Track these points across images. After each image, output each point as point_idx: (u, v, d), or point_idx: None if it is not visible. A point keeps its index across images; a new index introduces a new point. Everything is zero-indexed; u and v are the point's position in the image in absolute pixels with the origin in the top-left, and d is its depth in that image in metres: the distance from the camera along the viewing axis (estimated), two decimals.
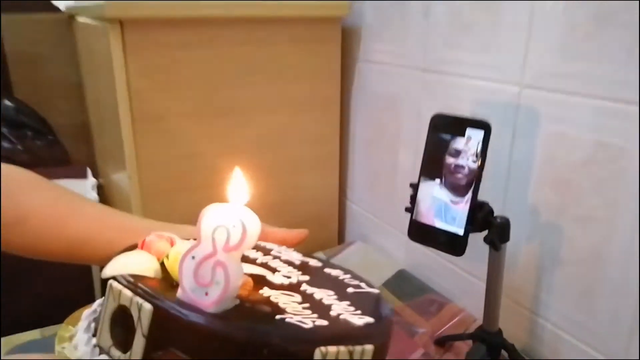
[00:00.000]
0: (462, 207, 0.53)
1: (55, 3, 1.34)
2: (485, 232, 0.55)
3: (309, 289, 0.38)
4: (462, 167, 0.53)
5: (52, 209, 0.49)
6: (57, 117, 1.28)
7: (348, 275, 0.43)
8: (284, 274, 0.40)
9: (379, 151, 0.95)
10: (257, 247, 0.47)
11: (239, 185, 0.34)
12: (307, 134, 0.97)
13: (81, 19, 1.08)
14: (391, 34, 0.87)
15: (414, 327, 0.73)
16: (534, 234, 0.66)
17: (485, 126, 0.52)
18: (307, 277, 0.40)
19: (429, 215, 0.56)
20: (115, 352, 0.31)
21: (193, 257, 0.31)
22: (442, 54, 0.76)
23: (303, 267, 0.43)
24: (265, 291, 0.36)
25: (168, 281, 0.34)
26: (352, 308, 0.35)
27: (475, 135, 0.53)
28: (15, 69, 1.29)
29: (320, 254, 0.94)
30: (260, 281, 0.37)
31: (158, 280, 0.34)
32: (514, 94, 0.65)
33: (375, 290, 0.40)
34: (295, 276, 0.40)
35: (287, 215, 1.00)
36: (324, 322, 0.32)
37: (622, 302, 0.57)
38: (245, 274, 0.35)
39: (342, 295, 0.37)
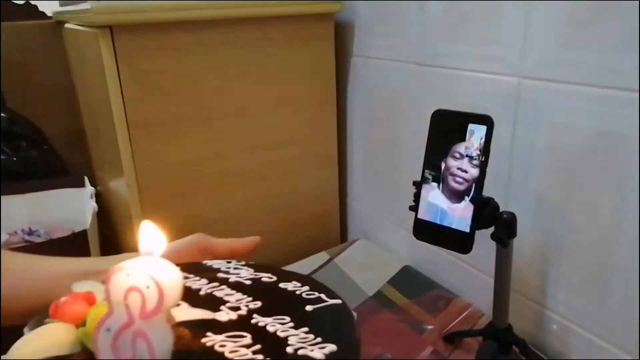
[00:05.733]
0: (459, 212, 0.52)
1: (41, 8, 1.32)
2: (492, 229, 0.54)
3: (261, 321, 0.34)
4: (464, 171, 0.52)
5: None
6: (51, 126, 1.26)
7: (306, 287, 0.38)
8: (232, 305, 0.36)
9: (379, 147, 0.94)
10: (202, 271, 0.42)
11: (150, 235, 0.29)
12: (304, 133, 0.96)
13: (70, 25, 1.06)
14: (386, 28, 0.86)
15: (422, 324, 0.72)
16: (539, 225, 0.65)
17: (487, 121, 0.51)
18: (258, 304, 0.36)
19: (434, 213, 0.55)
20: None
21: (108, 330, 0.27)
22: (438, 47, 0.75)
23: (254, 289, 0.38)
24: (209, 339, 0.31)
25: (87, 355, 0.29)
26: (311, 336, 0.31)
27: (477, 131, 0.52)
28: (6, 79, 1.27)
29: (324, 253, 0.93)
30: (202, 325, 0.32)
31: (75, 357, 0.29)
32: (514, 85, 0.64)
33: (337, 302, 0.36)
34: (245, 305, 0.35)
35: (288, 216, 0.99)
36: None
37: (632, 289, 0.56)
38: (183, 323, 0.31)
39: (299, 319, 0.33)
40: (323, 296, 0.37)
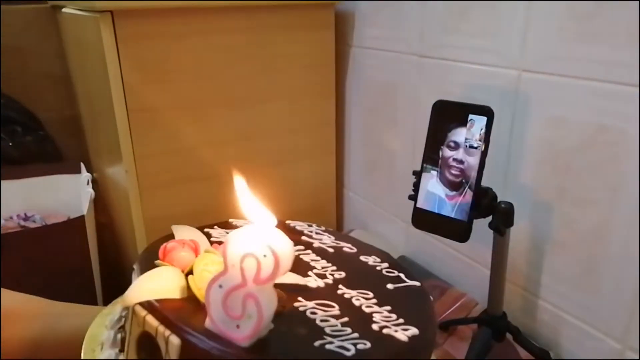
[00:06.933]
0: (458, 201, 0.53)
1: None
2: (487, 220, 0.55)
3: (347, 292, 0.36)
4: (460, 161, 0.53)
5: None
6: (46, 112, 1.25)
7: (385, 265, 0.40)
8: (318, 272, 0.38)
9: (376, 138, 0.94)
10: (285, 231, 0.44)
11: (258, 203, 0.31)
12: (302, 122, 0.96)
13: (67, 10, 1.05)
14: (386, 19, 0.86)
15: None
16: (534, 217, 0.66)
17: (488, 112, 0.52)
18: (342, 274, 0.38)
19: (432, 202, 0.56)
20: None
21: (220, 286, 0.28)
22: (439, 38, 0.76)
23: (337, 258, 0.40)
24: (301, 303, 0.33)
25: (194, 301, 0.32)
26: (394, 316, 0.33)
27: (478, 121, 0.53)
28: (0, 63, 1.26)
29: None
30: (295, 289, 0.35)
31: (183, 301, 0.32)
32: (513, 78, 0.65)
33: (416, 284, 0.38)
34: (331, 274, 0.38)
35: (284, 205, 0.99)
36: (367, 344, 0.30)
37: (623, 281, 0.57)
38: (278, 285, 0.32)
39: (382, 297, 0.35)
40: (402, 276, 0.39)
